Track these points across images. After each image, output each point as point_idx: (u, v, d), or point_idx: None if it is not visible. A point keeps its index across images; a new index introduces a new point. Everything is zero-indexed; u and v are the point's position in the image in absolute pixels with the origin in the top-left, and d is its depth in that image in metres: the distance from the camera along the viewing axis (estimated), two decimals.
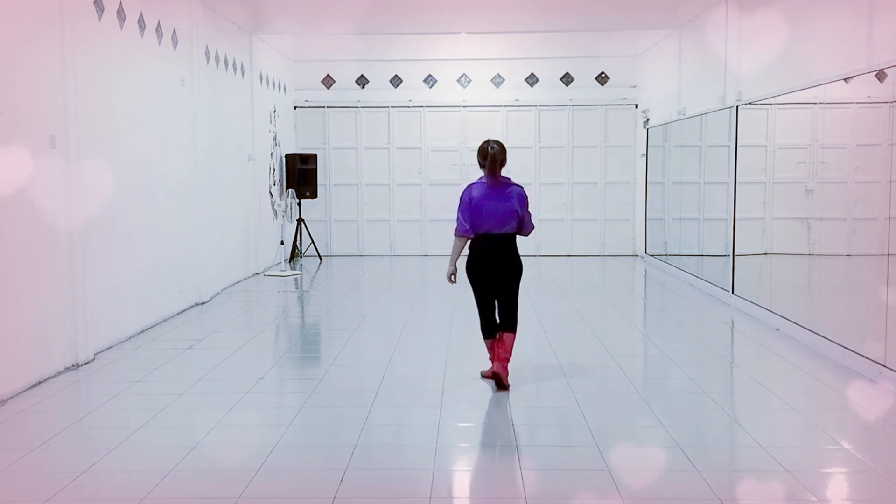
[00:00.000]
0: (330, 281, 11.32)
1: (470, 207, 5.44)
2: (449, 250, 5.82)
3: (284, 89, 13.40)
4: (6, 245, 5.42)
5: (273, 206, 12.48)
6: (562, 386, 5.58)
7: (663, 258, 11.94)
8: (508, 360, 5.59)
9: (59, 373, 5.98)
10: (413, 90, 14.08)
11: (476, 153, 5.60)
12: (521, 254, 5.65)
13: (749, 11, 8.85)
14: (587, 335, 7.32)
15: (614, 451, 4.27)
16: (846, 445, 4.39)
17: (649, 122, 12.96)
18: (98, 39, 6.81)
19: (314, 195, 13.38)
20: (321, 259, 13.64)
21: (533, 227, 5.62)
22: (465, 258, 5.64)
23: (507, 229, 5.46)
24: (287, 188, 12.83)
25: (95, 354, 6.52)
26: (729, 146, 8.88)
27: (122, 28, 7.29)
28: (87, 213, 6.43)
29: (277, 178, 12.84)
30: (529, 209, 5.60)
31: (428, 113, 14.02)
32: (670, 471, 4.04)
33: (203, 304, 9.05)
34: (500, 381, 5.49)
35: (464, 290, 10.32)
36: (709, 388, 5.50)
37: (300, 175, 13.05)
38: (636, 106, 13.80)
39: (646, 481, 3.92)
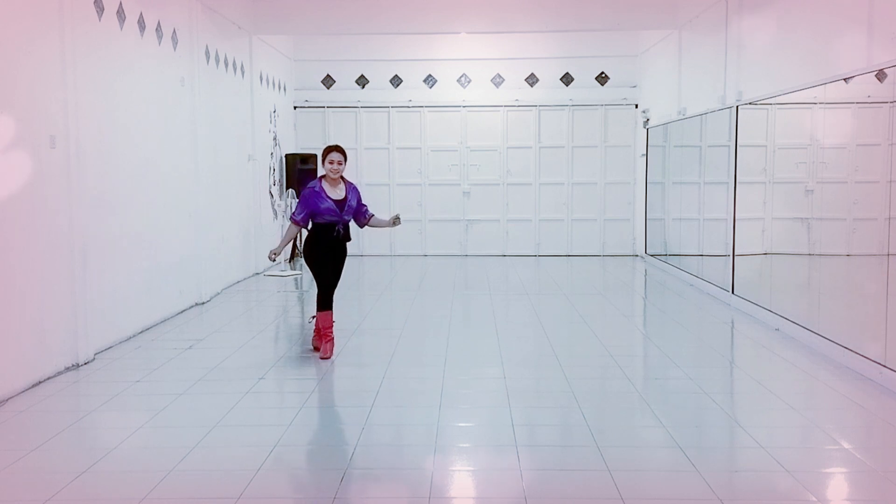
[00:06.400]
0: None
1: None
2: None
3: (284, 89, 13.40)
4: (7, 245, 5.43)
5: (273, 206, 12.49)
6: (562, 386, 5.58)
7: (663, 258, 11.93)
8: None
9: (59, 373, 5.98)
10: (413, 90, 14.08)
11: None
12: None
13: (749, 11, 8.84)
14: (587, 335, 7.32)
15: (614, 451, 4.27)
16: (846, 445, 4.39)
17: (649, 122, 12.96)
18: (98, 39, 6.81)
19: None
20: None
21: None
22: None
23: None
24: (287, 188, 12.83)
25: (95, 354, 6.52)
26: (729, 146, 8.88)
27: (122, 28, 7.29)
28: (86, 213, 6.43)
29: (277, 178, 12.84)
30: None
31: (428, 113, 14.02)
32: (670, 471, 4.04)
33: (203, 304, 9.05)
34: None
35: (463, 289, 10.35)
36: (709, 388, 5.50)
37: (300, 175, 13.04)
38: (636, 106, 13.80)
39: (646, 481, 3.92)
